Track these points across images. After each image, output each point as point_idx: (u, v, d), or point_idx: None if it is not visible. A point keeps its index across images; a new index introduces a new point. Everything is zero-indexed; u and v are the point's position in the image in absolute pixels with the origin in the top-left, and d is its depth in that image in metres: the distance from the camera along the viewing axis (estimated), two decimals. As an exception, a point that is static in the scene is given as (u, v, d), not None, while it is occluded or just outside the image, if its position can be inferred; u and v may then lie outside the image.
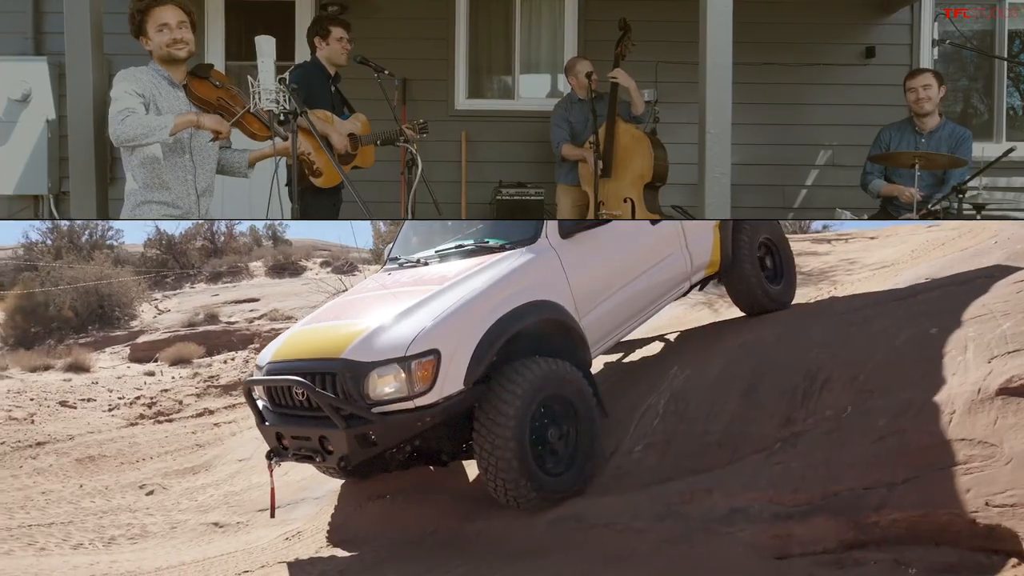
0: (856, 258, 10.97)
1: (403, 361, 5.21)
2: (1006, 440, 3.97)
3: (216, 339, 18.06)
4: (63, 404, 13.20)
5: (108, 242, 26.45)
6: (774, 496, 4.51)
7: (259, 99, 5.12)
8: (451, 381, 5.27)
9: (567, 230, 6.04)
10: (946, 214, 6.94)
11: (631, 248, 6.46)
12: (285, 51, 9.04)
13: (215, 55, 9.44)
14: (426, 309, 5.54)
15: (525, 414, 5.35)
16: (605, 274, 6.19)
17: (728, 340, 6.55)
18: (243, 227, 29.40)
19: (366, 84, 7.41)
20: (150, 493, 8.51)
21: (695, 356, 6.58)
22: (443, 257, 6.44)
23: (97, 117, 5.97)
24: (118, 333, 19.78)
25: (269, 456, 6.02)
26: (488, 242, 6.28)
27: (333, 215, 7.19)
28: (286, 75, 5.27)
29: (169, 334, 18.74)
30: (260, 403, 6.10)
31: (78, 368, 15.92)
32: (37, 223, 23.60)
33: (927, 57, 9.48)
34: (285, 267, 26.44)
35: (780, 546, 4.26)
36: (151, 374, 16.11)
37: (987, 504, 3.77)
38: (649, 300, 6.61)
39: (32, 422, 12.12)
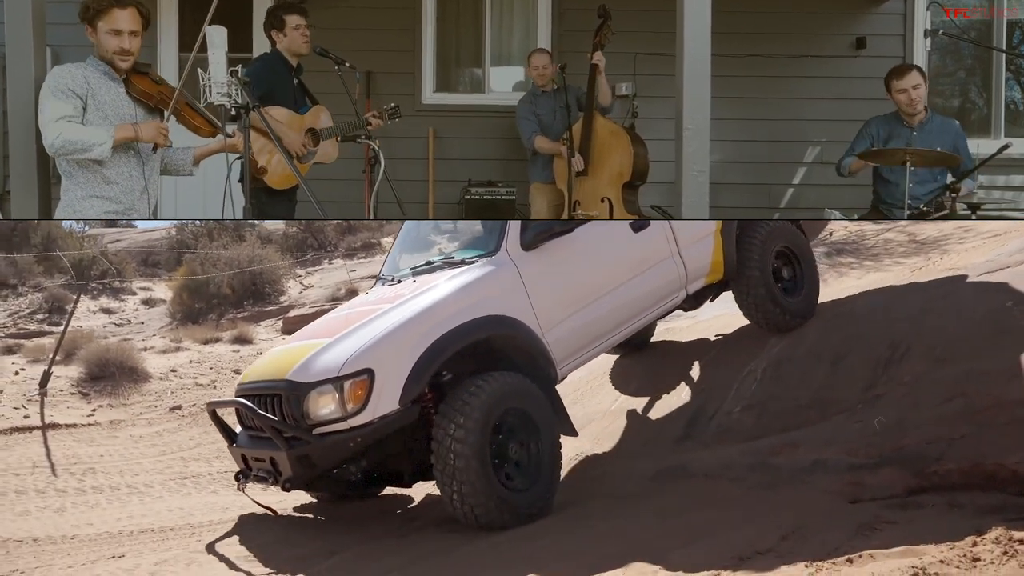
0: (972, 226, 11.51)
1: (336, 381, 5.51)
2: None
3: (359, 311, 20.30)
4: (237, 372, 15.08)
5: (251, 221, 29.06)
6: (851, 450, 5.42)
7: (209, 93, 5.17)
8: (385, 400, 5.51)
9: (529, 242, 6.24)
10: (938, 210, 7.02)
11: (607, 257, 6.62)
12: (242, 44, 9.09)
13: (168, 47, 9.47)
14: (366, 329, 5.84)
15: (483, 429, 5.51)
16: (574, 286, 6.37)
17: (822, 314, 7.47)
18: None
19: (327, 77, 7.45)
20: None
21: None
22: (416, 274, 6.71)
23: (40, 117, 5.98)
24: (270, 308, 22.56)
25: (237, 477, 6.43)
26: (454, 257, 6.57)
27: (290, 215, 7.22)
28: (238, 68, 5.32)
29: (316, 308, 20.23)
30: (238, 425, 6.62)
31: (243, 340, 18.16)
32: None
33: (920, 49, 9.53)
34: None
35: (853, 492, 5.12)
36: (306, 344, 18.16)
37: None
38: (633, 312, 6.77)
39: (215, 387, 14.56)
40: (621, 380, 8.83)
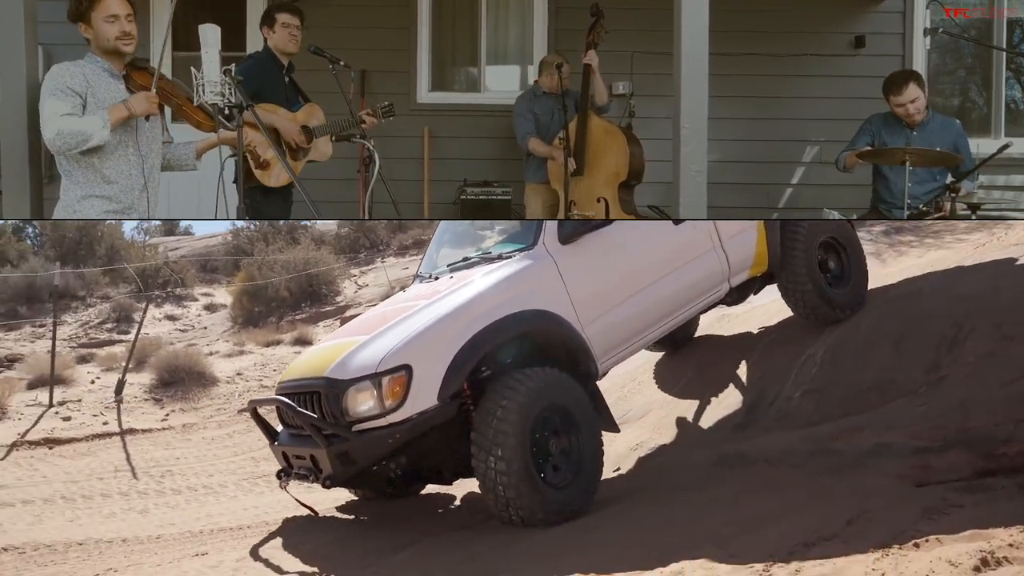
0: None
1: (374, 378, 5.52)
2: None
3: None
4: (299, 375, 15.48)
5: (303, 223, 30.56)
6: (916, 433, 5.42)
7: (203, 91, 5.18)
8: (424, 396, 5.52)
9: (567, 235, 6.27)
10: (937, 210, 7.03)
11: (647, 250, 6.65)
12: (236, 42, 9.11)
13: (161, 44, 9.44)
14: (403, 326, 5.86)
15: (523, 426, 5.49)
16: (613, 279, 6.39)
17: (882, 294, 7.58)
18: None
19: (321, 76, 7.46)
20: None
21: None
22: (453, 271, 6.78)
23: (32, 111, 5.99)
24: (327, 308, 22.82)
25: (279, 475, 6.50)
26: (491, 252, 6.62)
27: (285, 215, 7.23)
28: (231, 66, 5.33)
29: (372, 306, 20.06)
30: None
31: (303, 341, 18.17)
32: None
33: (920, 47, 9.55)
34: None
35: (919, 476, 5.05)
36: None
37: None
38: (676, 304, 6.80)
39: (280, 389, 14.76)
40: (666, 378, 8.84)
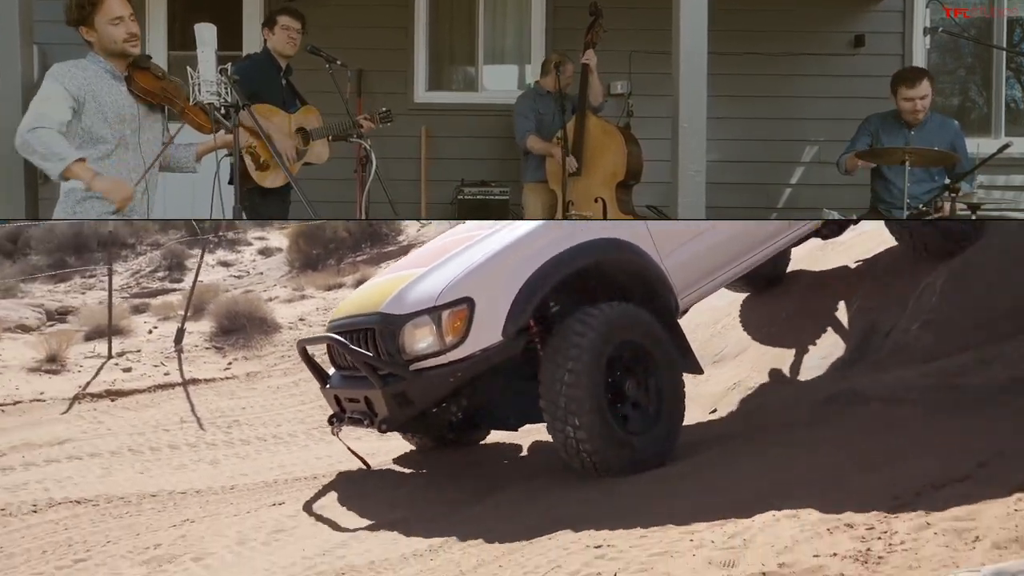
0: None
1: (433, 312, 5.26)
2: None
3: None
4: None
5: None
6: None
7: (198, 91, 5.17)
8: (487, 332, 5.23)
9: None
10: (935, 211, 7.03)
11: None
12: (232, 41, 9.11)
13: (157, 44, 9.47)
14: (464, 256, 5.59)
15: (596, 365, 5.15)
16: None
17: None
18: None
19: (318, 75, 7.46)
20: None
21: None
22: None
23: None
24: (390, 248, 22.15)
25: (331, 420, 6.20)
26: None
27: (283, 215, 7.24)
28: (227, 66, 5.32)
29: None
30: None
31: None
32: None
33: (920, 47, 9.56)
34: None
35: None
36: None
37: None
38: (764, 235, 6.56)
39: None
40: (757, 319, 8.40)
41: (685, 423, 5.72)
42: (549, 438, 5.44)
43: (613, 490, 4.95)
